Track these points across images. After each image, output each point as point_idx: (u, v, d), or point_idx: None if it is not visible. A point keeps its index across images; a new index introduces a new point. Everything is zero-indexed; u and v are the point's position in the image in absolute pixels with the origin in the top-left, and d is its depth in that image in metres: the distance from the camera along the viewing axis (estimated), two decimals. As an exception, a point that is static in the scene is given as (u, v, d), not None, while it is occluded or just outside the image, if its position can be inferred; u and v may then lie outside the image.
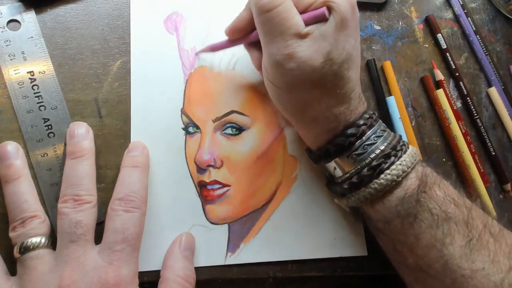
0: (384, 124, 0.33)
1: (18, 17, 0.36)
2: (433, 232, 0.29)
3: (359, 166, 0.31)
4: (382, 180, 0.30)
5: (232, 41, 0.35)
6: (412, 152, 0.32)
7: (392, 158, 0.31)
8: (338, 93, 0.30)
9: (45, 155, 0.35)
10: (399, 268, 0.33)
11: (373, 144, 0.31)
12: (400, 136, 0.33)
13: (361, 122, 0.31)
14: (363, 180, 0.31)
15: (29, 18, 0.36)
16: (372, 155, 0.31)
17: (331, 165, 0.33)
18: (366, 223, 0.35)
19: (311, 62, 0.29)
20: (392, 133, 0.33)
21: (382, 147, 0.31)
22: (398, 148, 0.31)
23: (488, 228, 0.30)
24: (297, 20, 0.29)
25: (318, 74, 0.29)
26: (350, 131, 0.31)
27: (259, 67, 0.34)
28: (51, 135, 0.35)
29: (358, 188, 0.31)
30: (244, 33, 0.34)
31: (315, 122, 0.32)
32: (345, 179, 0.32)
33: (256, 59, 0.35)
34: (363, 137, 0.31)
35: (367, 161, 0.31)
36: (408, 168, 0.30)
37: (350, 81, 0.31)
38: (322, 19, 0.29)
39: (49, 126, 0.35)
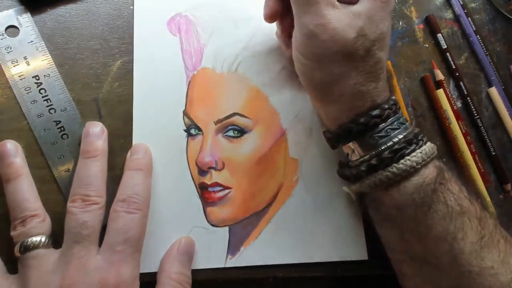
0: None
1: (15, 23, 0.36)
2: (445, 224, 0.29)
3: (380, 149, 0.31)
4: (401, 165, 0.30)
5: None
6: (431, 145, 0.32)
7: (414, 146, 0.31)
8: (368, 71, 0.30)
9: (62, 157, 0.35)
10: (402, 261, 0.33)
11: (396, 129, 0.31)
12: (419, 129, 0.33)
13: (386, 106, 0.31)
14: (383, 162, 0.30)
15: (26, 22, 0.36)
16: (395, 139, 0.31)
17: (349, 147, 0.33)
18: (367, 216, 0.35)
19: (344, 34, 0.29)
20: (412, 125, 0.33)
21: (405, 133, 0.31)
22: (419, 137, 0.31)
23: (499, 229, 0.30)
24: None
25: (350, 48, 0.29)
26: (375, 112, 0.31)
27: (269, 16, 0.34)
28: (64, 136, 0.35)
29: (376, 170, 0.31)
30: None
31: (341, 99, 0.31)
32: (364, 160, 0.31)
33: (269, 6, 0.34)
34: (387, 121, 0.31)
35: (389, 144, 0.31)
36: (427, 158, 0.30)
37: (380, 61, 0.31)
38: (353, 1, 0.30)
39: (62, 128, 0.35)
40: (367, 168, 0.31)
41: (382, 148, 0.31)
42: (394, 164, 0.30)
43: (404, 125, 0.32)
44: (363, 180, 0.32)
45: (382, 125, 0.31)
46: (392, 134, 0.31)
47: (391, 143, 0.31)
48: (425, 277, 0.31)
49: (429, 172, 0.30)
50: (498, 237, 0.30)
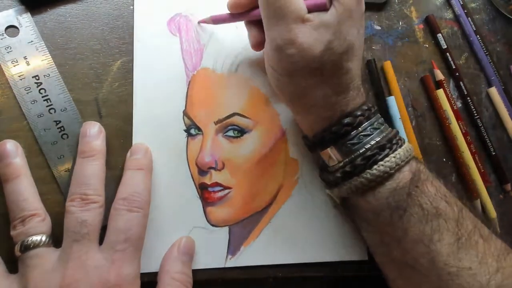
0: (382, 118, 0.33)
1: (15, 23, 0.36)
2: (421, 227, 0.29)
3: (353, 156, 0.31)
4: (374, 171, 0.30)
5: (233, 16, 0.35)
6: (408, 147, 0.32)
7: (387, 150, 0.31)
8: (335, 83, 0.31)
9: (62, 156, 0.35)
10: (384, 264, 0.33)
11: (369, 135, 0.31)
12: (397, 131, 0.33)
13: (359, 112, 0.31)
14: (356, 169, 0.31)
15: (26, 22, 0.36)
16: (367, 146, 0.31)
17: (326, 153, 0.33)
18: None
19: (311, 49, 0.29)
20: (390, 128, 0.33)
21: (378, 139, 0.31)
22: (394, 141, 0.32)
23: (478, 229, 0.30)
24: (300, 4, 0.29)
25: (317, 62, 0.29)
26: (346, 120, 0.31)
27: (254, 45, 0.35)
28: (64, 136, 0.35)
29: (350, 177, 0.31)
30: (245, 9, 0.34)
31: (311, 110, 0.32)
32: (339, 167, 0.32)
33: (253, 37, 0.35)
34: (360, 128, 0.31)
35: (361, 150, 0.31)
36: (401, 162, 0.31)
37: (349, 72, 0.31)
38: (322, 8, 0.29)
39: (62, 128, 0.35)
40: (342, 174, 0.32)
41: (355, 155, 0.31)
42: (368, 170, 0.30)
43: (378, 130, 0.32)
44: (341, 186, 0.33)
45: (354, 132, 0.31)
46: (365, 141, 0.31)
47: (363, 150, 0.31)
48: (406, 280, 0.31)
49: (403, 176, 0.31)
50: (476, 237, 0.30)
